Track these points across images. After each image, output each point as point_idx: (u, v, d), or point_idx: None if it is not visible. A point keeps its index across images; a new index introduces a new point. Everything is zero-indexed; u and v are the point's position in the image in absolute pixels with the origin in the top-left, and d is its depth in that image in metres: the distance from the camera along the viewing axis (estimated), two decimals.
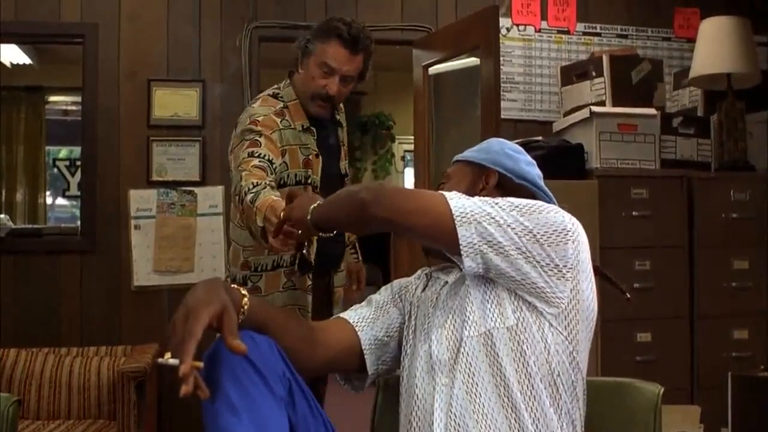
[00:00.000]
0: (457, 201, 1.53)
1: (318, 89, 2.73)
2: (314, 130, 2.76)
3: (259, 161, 2.48)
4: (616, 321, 3.65)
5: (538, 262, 1.51)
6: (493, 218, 1.51)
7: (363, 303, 1.84)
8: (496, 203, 1.54)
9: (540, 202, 1.58)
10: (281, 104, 2.75)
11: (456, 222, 1.51)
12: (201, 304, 1.36)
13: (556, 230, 1.52)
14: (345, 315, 1.80)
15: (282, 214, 1.84)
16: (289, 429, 1.43)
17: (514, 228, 1.51)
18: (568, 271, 1.53)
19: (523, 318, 1.53)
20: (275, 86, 2.86)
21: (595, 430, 1.69)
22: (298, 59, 2.79)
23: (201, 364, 1.32)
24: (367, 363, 1.75)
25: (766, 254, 3.92)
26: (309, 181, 2.71)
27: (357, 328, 1.76)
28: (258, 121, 2.63)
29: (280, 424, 1.40)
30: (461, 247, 1.51)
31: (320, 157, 2.75)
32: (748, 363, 3.75)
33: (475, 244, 1.50)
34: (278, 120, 2.67)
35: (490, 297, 1.56)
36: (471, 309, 1.57)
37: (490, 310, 1.55)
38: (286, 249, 2.02)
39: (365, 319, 1.78)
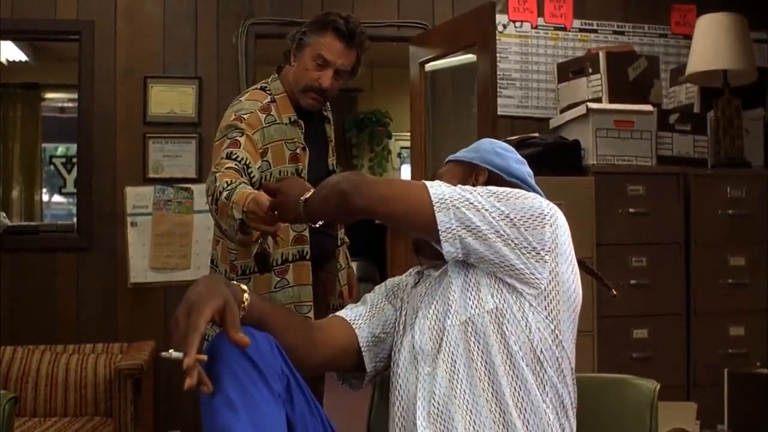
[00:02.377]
0: (436, 188, 1.57)
1: (311, 81, 2.72)
2: (302, 123, 2.75)
3: (235, 164, 2.47)
4: (613, 318, 3.66)
5: (516, 245, 1.54)
6: (471, 203, 1.54)
7: (358, 302, 1.85)
8: (474, 190, 1.58)
9: (518, 190, 1.62)
10: (269, 98, 2.74)
11: (435, 207, 1.54)
12: (203, 298, 1.37)
13: (532, 215, 1.55)
14: (341, 314, 1.81)
15: (270, 203, 1.89)
16: (287, 426, 1.43)
17: (491, 212, 1.54)
18: (546, 254, 1.55)
19: (503, 300, 1.55)
20: (264, 81, 2.86)
21: (592, 426, 1.70)
22: (290, 52, 2.79)
23: (205, 357, 1.33)
24: (365, 360, 1.76)
25: (762, 251, 3.92)
26: (300, 174, 2.71)
27: (354, 326, 1.76)
28: (243, 118, 2.62)
29: (278, 421, 1.40)
30: (440, 232, 1.54)
31: (307, 150, 2.75)
32: (744, 360, 3.75)
33: (453, 228, 1.54)
34: (263, 116, 2.67)
35: (469, 284, 1.59)
36: (453, 298, 1.59)
37: (470, 298, 1.57)
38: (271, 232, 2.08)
39: (362, 317, 1.79)
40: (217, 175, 2.40)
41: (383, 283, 1.89)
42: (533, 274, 1.54)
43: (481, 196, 1.56)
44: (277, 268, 2.67)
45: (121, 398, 3.55)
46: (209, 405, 1.36)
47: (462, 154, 1.88)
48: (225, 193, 2.28)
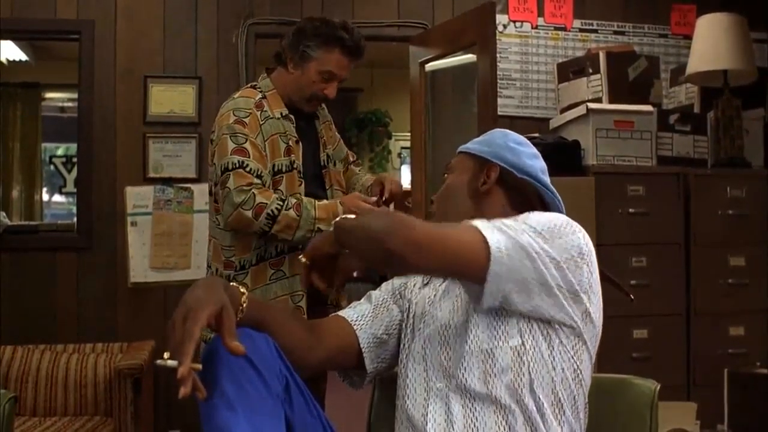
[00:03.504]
0: (490, 234, 1.45)
1: (318, 92, 2.80)
2: (293, 118, 2.81)
3: (254, 178, 2.61)
4: (612, 318, 3.60)
5: (560, 288, 1.48)
6: (526, 251, 1.45)
7: (362, 299, 1.83)
8: (521, 228, 1.48)
9: (555, 220, 1.53)
10: (260, 94, 2.80)
11: (492, 260, 1.43)
12: (200, 303, 1.35)
13: (574, 255, 1.49)
14: (344, 313, 1.79)
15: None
16: (286, 426, 1.43)
17: (541, 257, 1.46)
18: (583, 294, 1.51)
19: (533, 338, 1.50)
20: (253, 82, 2.95)
21: (592, 426, 1.69)
22: (284, 56, 2.83)
23: (200, 366, 1.32)
24: (366, 362, 1.74)
25: (762, 251, 3.92)
26: (294, 166, 2.75)
27: (356, 327, 1.75)
28: (244, 122, 2.69)
29: (277, 421, 1.39)
30: (487, 283, 1.44)
31: (300, 143, 2.80)
32: (744, 360, 3.75)
33: (502, 283, 1.45)
34: (258, 113, 2.73)
35: (497, 314, 1.52)
36: (474, 320, 1.55)
37: (495, 327, 1.52)
38: None
39: (364, 317, 1.77)
40: (255, 191, 2.59)
41: (390, 281, 1.86)
42: (569, 317, 1.50)
43: (531, 236, 1.46)
44: (272, 260, 2.73)
45: (121, 398, 3.55)
46: (208, 406, 1.36)
47: (474, 146, 1.81)
48: (291, 211, 2.57)
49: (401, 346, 1.73)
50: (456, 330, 1.58)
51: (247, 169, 2.61)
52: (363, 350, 1.74)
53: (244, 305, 1.49)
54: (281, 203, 2.58)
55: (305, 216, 2.58)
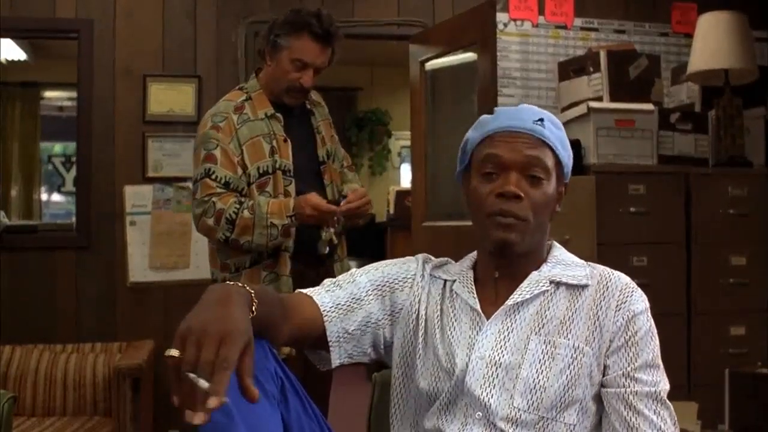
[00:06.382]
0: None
1: (292, 82, 2.79)
2: (280, 117, 2.81)
3: (217, 186, 2.66)
4: None
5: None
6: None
7: (344, 278, 1.66)
8: (662, 379, 1.71)
9: (656, 341, 1.70)
10: (244, 96, 2.82)
11: None
12: (236, 331, 1.18)
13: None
14: (318, 298, 1.60)
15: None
16: (282, 428, 1.40)
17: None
18: None
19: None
20: (242, 83, 2.97)
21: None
22: (263, 51, 2.85)
23: (228, 401, 1.14)
24: (333, 355, 1.60)
25: (763, 250, 3.92)
26: (277, 166, 2.74)
27: (326, 319, 1.58)
28: (219, 126, 2.71)
29: (274, 424, 1.37)
30: None
31: (288, 141, 2.77)
32: (745, 359, 3.74)
33: None
34: (236, 117, 2.74)
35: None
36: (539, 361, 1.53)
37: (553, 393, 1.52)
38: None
39: (338, 308, 1.59)
40: (215, 199, 2.64)
41: (380, 269, 1.69)
42: None
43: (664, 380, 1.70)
44: (266, 262, 2.76)
45: (121, 398, 3.54)
46: None
47: (563, 152, 1.58)
48: (245, 212, 2.60)
49: (410, 359, 1.62)
50: (506, 368, 1.51)
51: (213, 176, 2.65)
52: (330, 344, 1.58)
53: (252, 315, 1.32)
54: (238, 206, 2.63)
55: (258, 213, 2.62)
